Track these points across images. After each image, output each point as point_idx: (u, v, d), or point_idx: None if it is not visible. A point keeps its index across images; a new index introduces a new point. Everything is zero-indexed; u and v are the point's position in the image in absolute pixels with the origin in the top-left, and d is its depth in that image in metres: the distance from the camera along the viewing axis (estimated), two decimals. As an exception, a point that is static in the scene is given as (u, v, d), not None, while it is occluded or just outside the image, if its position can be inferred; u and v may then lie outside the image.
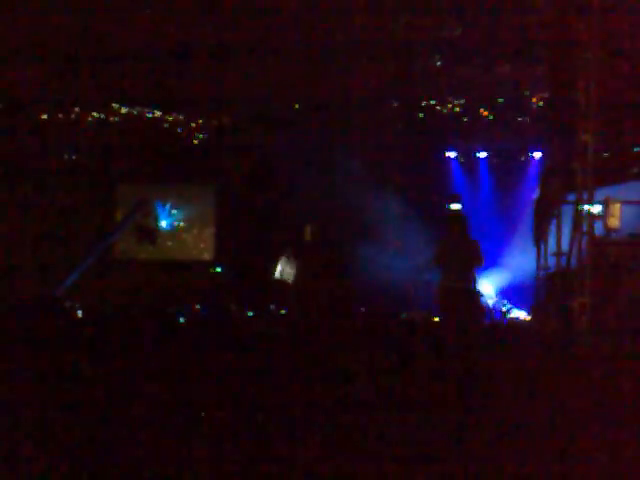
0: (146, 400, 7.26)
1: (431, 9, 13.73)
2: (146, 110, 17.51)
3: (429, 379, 7.49)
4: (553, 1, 11.53)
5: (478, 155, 17.82)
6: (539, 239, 11.70)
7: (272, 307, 15.87)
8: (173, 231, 18.08)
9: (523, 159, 17.57)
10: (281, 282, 13.09)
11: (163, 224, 17.86)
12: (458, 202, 15.14)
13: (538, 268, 11.72)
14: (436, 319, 13.43)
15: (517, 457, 6.09)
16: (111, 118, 17.50)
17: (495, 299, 16.62)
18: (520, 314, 16.03)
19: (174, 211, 17.96)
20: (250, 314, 15.99)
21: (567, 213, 10.41)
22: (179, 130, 17.86)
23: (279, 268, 13.10)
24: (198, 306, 16.19)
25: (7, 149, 16.64)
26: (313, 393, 7.37)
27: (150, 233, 17.48)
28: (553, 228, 10.98)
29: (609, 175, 10.59)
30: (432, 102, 16.83)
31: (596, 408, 6.81)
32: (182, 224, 18.06)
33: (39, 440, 6.40)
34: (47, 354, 8.50)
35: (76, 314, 15.27)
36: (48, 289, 15.44)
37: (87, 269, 15.91)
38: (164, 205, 17.90)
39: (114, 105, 17.33)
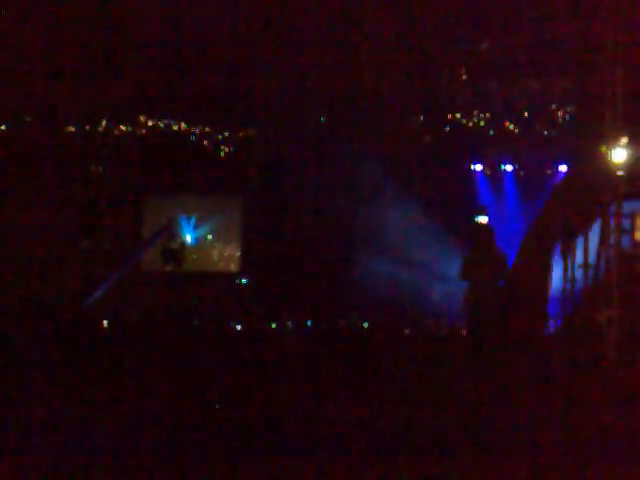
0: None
1: (457, 23, 13.78)
2: (172, 122, 17.57)
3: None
4: (580, 15, 11.56)
5: (504, 168, 17.80)
6: (566, 251, 11.66)
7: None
8: (199, 244, 18.08)
9: (549, 172, 17.53)
10: None
11: (188, 239, 17.85)
12: (485, 215, 15.11)
13: (564, 280, 11.67)
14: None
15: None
16: (138, 131, 17.56)
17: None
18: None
19: (199, 224, 17.95)
20: (273, 326, 16.05)
21: (594, 226, 10.41)
22: (205, 143, 17.89)
23: None
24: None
25: (35, 161, 16.73)
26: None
27: (175, 254, 17.47)
28: (580, 241, 10.96)
29: (637, 189, 10.57)
30: (458, 115, 16.84)
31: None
32: (208, 236, 18.06)
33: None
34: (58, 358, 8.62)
35: (101, 324, 15.40)
36: (73, 300, 15.58)
37: (115, 283, 16.00)
38: (189, 219, 17.88)
39: (141, 118, 17.40)
